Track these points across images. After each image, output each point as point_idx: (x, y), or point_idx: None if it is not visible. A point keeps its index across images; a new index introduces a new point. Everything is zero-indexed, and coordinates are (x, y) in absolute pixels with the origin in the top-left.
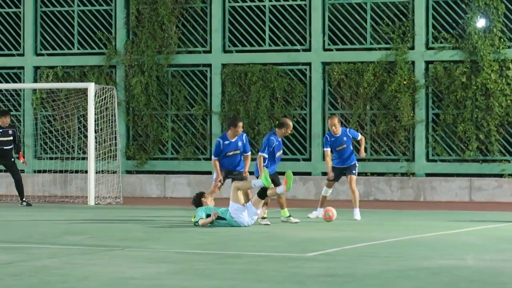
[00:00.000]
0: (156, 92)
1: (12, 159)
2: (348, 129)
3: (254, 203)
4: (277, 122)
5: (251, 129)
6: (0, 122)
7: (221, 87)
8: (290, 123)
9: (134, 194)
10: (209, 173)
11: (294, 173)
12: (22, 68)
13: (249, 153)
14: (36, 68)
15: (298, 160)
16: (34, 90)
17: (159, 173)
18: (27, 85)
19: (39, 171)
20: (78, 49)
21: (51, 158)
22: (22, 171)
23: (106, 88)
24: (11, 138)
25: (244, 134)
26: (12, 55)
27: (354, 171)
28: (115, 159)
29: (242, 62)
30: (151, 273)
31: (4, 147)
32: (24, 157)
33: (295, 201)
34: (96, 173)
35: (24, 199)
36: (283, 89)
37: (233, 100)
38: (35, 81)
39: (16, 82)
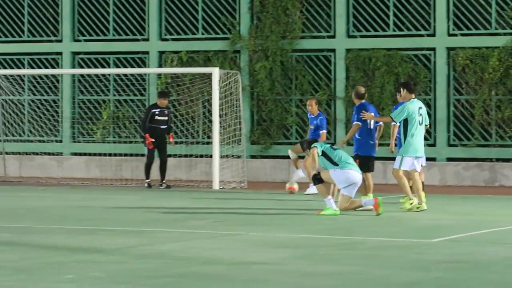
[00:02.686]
0: (280, 77)
1: (166, 140)
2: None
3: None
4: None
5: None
6: (158, 102)
7: (345, 72)
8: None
9: (259, 178)
10: None
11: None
12: (147, 53)
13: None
14: (161, 53)
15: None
16: (159, 75)
17: (283, 158)
18: (152, 70)
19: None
20: (203, 34)
21: (176, 143)
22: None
23: (230, 73)
24: (167, 118)
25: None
26: (137, 40)
27: None
28: (240, 144)
29: (366, 47)
30: (274, 258)
31: (161, 127)
32: (173, 138)
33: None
34: (221, 157)
35: (164, 181)
36: (408, 74)
37: (357, 85)
38: (160, 66)
39: (141, 67)
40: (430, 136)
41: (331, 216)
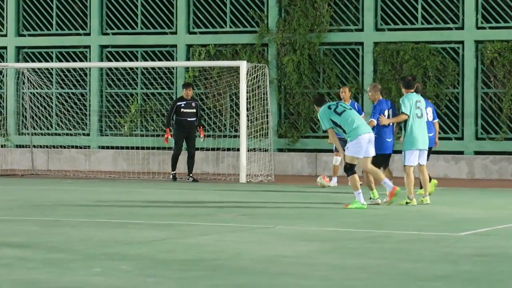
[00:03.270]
0: (308, 71)
1: (194, 133)
2: (356, 103)
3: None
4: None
5: None
6: (183, 94)
7: (373, 65)
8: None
9: (286, 172)
10: None
11: (447, 152)
12: (175, 46)
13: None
14: (189, 46)
15: (450, 139)
16: (187, 68)
17: (310, 151)
18: (180, 63)
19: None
20: (230, 27)
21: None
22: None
23: (258, 66)
24: (195, 110)
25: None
26: (165, 33)
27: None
28: (267, 137)
29: (394, 40)
30: (302, 251)
31: (188, 119)
32: (203, 132)
33: (447, 180)
34: (248, 151)
35: (191, 175)
36: (436, 67)
37: (385, 78)
38: (188, 59)
39: (169, 60)
40: (458, 130)
41: (358, 210)
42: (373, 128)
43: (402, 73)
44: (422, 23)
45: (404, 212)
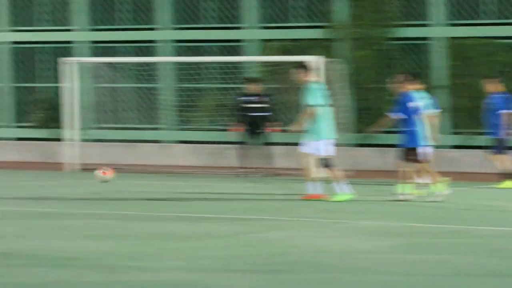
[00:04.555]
0: (378, 66)
1: (261, 128)
2: None
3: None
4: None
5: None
6: (249, 89)
7: (443, 61)
8: None
9: (365, 167)
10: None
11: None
12: (243, 41)
13: None
14: (260, 41)
15: None
16: (258, 63)
17: (383, 146)
18: (251, 58)
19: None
20: (300, 22)
21: (283, 131)
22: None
23: (327, 61)
24: (260, 105)
25: None
26: (238, 28)
27: None
28: (343, 133)
29: (465, 35)
30: (379, 246)
31: (253, 114)
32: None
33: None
34: None
35: (261, 169)
36: (509, 63)
37: (456, 74)
38: (258, 54)
39: (239, 55)
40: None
41: (434, 205)
42: None
43: (473, 69)
44: (493, 18)
45: (484, 207)
